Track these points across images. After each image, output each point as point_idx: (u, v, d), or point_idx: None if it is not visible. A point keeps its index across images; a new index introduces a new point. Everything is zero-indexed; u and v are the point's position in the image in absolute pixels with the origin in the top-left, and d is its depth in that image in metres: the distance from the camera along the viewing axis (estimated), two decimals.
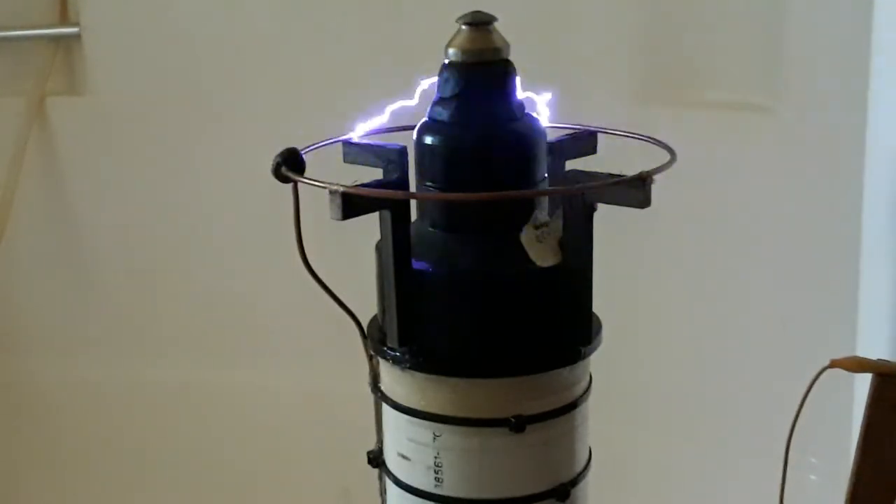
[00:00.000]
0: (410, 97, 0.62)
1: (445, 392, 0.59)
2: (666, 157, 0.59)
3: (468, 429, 0.59)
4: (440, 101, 0.60)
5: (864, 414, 0.65)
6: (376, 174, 0.62)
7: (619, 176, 0.55)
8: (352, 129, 0.65)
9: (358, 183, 0.57)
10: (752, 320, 1.21)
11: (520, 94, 0.60)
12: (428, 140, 0.60)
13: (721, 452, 1.23)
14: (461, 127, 0.59)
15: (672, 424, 1.27)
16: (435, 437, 0.60)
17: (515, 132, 0.60)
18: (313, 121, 0.79)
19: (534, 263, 0.58)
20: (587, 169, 0.60)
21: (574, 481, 0.62)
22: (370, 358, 0.64)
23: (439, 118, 0.60)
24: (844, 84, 1.04)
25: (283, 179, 0.58)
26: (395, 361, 0.60)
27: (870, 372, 0.65)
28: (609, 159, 0.62)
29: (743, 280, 1.21)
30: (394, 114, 0.64)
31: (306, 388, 1.46)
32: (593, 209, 0.57)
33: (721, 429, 1.24)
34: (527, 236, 0.58)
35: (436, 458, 0.60)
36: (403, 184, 0.60)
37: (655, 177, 0.55)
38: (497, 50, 0.59)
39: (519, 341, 0.59)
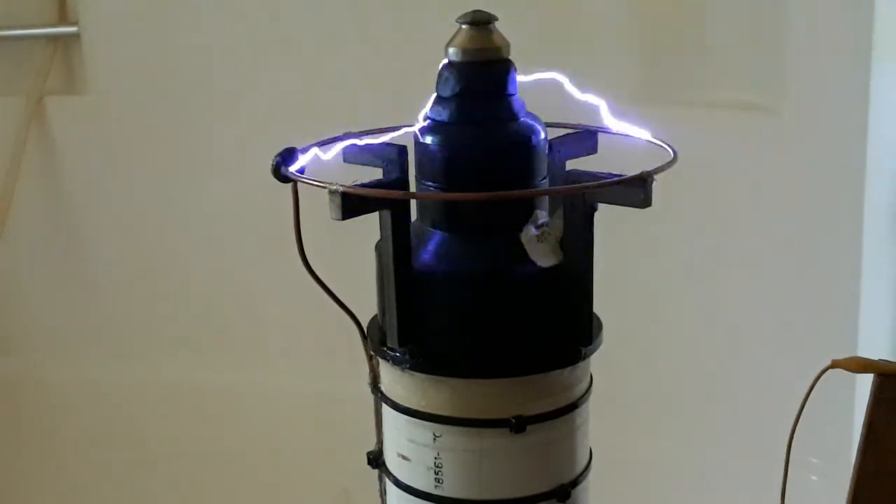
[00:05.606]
0: (410, 96, 0.62)
1: (445, 392, 0.59)
2: (667, 156, 0.59)
3: (468, 429, 0.59)
4: (440, 101, 0.60)
5: (866, 414, 0.65)
6: (376, 174, 0.62)
7: (620, 176, 0.55)
8: (352, 130, 0.65)
9: (358, 183, 0.56)
10: (753, 320, 1.21)
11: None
12: (428, 140, 0.59)
13: (722, 452, 1.23)
14: (461, 127, 0.59)
15: (673, 425, 1.27)
16: (435, 437, 0.60)
17: (515, 132, 0.59)
18: (313, 121, 0.79)
19: (534, 263, 0.58)
20: (587, 169, 0.60)
21: (575, 482, 0.62)
22: (370, 358, 0.64)
23: (439, 118, 0.60)
24: (846, 84, 1.04)
25: (283, 179, 0.58)
26: (395, 362, 0.60)
27: (871, 372, 0.65)
28: (609, 159, 0.62)
29: (744, 280, 1.21)
30: (394, 113, 0.63)
31: (306, 388, 1.46)
32: (594, 209, 0.57)
33: (722, 429, 1.24)
34: (527, 236, 0.58)
35: (436, 458, 0.60)
36: (403, 184, 0.60)
37: (656, 176, 0.54)
38: (497, 49, 0.59)
39: (519, 342, 0.59)
